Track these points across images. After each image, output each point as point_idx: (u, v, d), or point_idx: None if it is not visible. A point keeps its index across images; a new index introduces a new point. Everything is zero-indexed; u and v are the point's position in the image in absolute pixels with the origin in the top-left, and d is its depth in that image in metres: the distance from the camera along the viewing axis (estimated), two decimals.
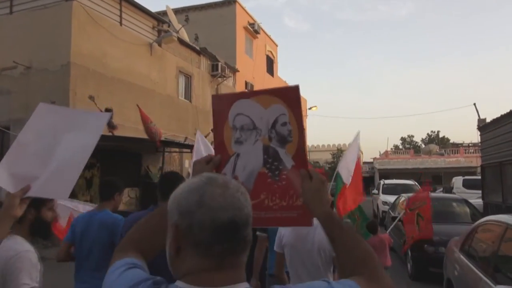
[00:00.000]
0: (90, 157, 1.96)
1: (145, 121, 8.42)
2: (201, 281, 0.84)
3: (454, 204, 8.83)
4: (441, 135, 58.70)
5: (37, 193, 1.73)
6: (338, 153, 44.70)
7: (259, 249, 3.40)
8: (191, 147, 12.55)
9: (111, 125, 9.41)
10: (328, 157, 45.77)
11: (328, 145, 52.38)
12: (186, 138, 13.01)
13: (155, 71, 13.53)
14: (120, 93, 11.68)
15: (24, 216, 1.88)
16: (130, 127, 11.72)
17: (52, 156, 1.82)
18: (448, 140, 56.58)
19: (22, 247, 1.87)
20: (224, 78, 18.06)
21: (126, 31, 12.21)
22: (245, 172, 1.29)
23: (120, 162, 11.51)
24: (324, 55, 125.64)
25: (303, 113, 29.05)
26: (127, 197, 12.04)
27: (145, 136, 11.10)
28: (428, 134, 59.87)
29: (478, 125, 10.90)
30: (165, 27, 14.18)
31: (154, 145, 9.80)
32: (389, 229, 7.51)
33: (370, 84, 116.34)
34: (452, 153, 41.31)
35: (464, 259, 4.15)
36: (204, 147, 5.88)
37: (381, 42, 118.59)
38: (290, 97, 1.25)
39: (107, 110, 11.27)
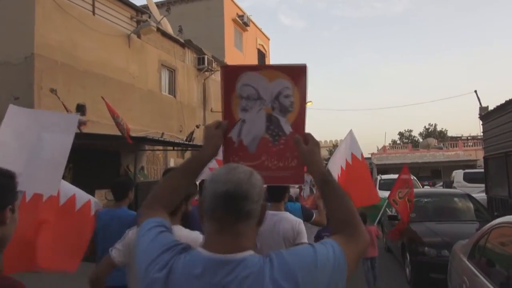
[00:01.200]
0: None
1: (112, 115, 7.59)
2: (208, 244, 1.06)
3: (456, 199, 8.02)
4: (439, 128, 57.94)
5: (24, 187, 1.87)
6: (334, 149, 43.99)
7: None
8: (168, 143, 11.71)
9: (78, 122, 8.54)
10: (324, 153, 45.05)
11: (325, 141, 51.69)
12: (162, 134, 12.16)
13: (134, 64, 12.67)
14: (94, 88, 10.82)
15: (179, 209, 2.15)
16: (106, 124, 10.88)
17: (32, 154, 1.99)
18: (446, 133, 55.86)
19: (194, 234, 2.04)
20: (212, 72, 17.21)
21: (100, 21, 11.35)
22: (249, 136, 1.46)
23: (96, 162, 10.65)
24: (320, 51, 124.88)
25: None
26: (103, 199, 11.20)
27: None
28: (425, 127, 59.07)
29: (480, 114, 10.07)
30: (145, 17, 13.32)
31: (133, 142, 8.94)
32: (376, 221, 6.94)
33: (367, 80, 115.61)
34: (451, 147, 40.58)
35: (475, 270, 3.34)
36: None
37: (377, 38, 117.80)
38: (296, 74, 1.42)
39: (79, 105, 10.45)
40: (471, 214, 7.41)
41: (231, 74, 1.46)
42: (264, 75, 1.42)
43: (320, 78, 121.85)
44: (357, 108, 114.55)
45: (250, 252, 1.04)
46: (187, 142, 12.76)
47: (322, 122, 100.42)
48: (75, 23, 10.35)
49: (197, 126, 14.09)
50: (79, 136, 9.40)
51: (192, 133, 13.46)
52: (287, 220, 2.94)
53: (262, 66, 1.47)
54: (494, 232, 3.27)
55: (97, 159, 10.82)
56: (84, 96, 10.63)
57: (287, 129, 1.43)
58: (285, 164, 1.44)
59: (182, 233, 2.01)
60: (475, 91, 10.64)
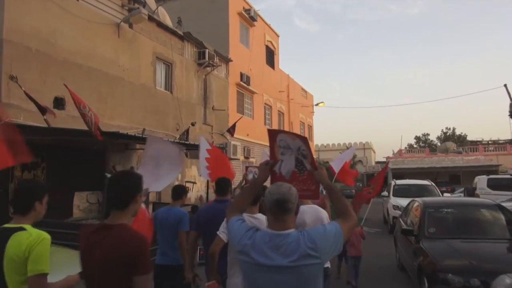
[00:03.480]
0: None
1: (77, 105, 6.51)
2: (270, 226, 1.99)
3: (484, 211, 6.69)
4: (457, 132, 55.74)
5: (152, 189, 3.75)
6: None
7: None
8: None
9: (44, 110, 7.45)
10: (337, 156, 43.59)
11: (339, 144, 50.25)
12: (143, 130, 11.04)
13: (124, 55, 11.65)
14: (76, 80, 9.82)
15: (258, 202, 3.38)
16: None
17: (159, 171, 3.81)
18: (465, 137, 53.69)
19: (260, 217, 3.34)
20: (213, 67, 16.12)
21: (85, 7, 10.36)
22: (285, 170, 2.39)
23: (75, 162, 9.61)
24: (335, 54, 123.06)
25: (310, 109, 27.01)
26: (85, 202, 10.17)
27: (110, 129, 9.25)
28: (443, 131, 56.89)
29: (510, 112, 8.70)
30: (138, 6, 12.29)
31: (103, 139, 7.84)
32: (362, 221, 7.53)
33: (382, 83, 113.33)
34: (471, 151, 38.66)
35: None
36: (202, 153, 6.45)
37: (393, 40, 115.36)
38: (303, 138, 2.38)
39: (57, 99, 9.45)
40: (504, 230, 6.09)
41: (273, 133, 2.43)
42: (288, 135, 2.40)
43: (334, 80, 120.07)
44: (370, 110, 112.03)
45: (292, 230, 1.97)
46: (180, 141, 11.64)
47: (335, 125, 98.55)
48: (54, 8, 9.37)
49: (192, 124, 12.98)
50: (54, 132, 8.42)
51: (187, 131, 12.35)
52: (322, 211, 3.89)
53: (288, 132, 2.46)
54: None
55: (78, 158, 9.78)
56: (64, 88, 9.61)
57: (308, 167, 2.35)
58: (307, 187, 2.38)
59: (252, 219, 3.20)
60: (505, 85, 9.25)
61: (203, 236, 3.96)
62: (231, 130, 15.94)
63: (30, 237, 2.09)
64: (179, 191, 4.61)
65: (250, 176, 8.77)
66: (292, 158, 2.36)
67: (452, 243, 5.41)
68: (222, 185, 4.12)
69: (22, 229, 2.14)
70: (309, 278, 1.89)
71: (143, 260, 1.92)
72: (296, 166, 2.36)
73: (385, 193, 15.19)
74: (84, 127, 7.82)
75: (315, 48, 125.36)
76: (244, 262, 1.99)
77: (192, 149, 12.77)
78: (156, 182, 3.71)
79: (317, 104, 30.38)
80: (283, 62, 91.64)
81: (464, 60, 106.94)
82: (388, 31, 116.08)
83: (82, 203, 10.05)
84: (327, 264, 3.83)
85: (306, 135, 31.15)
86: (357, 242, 6.38)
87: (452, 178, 36.69)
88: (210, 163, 6.20)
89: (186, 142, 12.26)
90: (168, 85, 13.86)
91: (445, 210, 6.75)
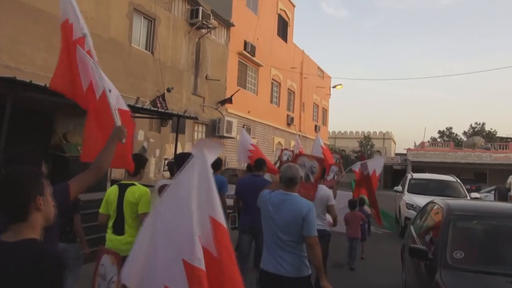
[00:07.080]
0: None
1: None
2: (282, 190, 3.37)
3: None
4: (487, 128, 52.03)
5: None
6: (365, 141, 39.81)
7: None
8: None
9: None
10: (354, 144, 41.01)
11: (357, 132, 47.54)
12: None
13: (89, 1, 9.61)
14: (17, 22, 7.89)
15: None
16: (35, 74, 7.96)
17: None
18: (495, 134, 50.02)
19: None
20: (209, 30, 13.93)
21: None
22: None
23: (16, 125, 7.69)
24: (362, 41, 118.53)
25: (326, 91, 24.55)
26: None
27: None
28: (471, 126, 53.19)
29: None
30: None
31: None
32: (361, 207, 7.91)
33: (409, 74, 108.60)
34: (500, 148, 35.45)
35: None
36: (244, 143, 8.25)
37: (424, 31, 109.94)
38: (320, 159, 5.13)
39: None
40: None
41: (297, 156, 5.13)
42: (308, 158, 4.97)
43: (359, 68, 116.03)
44: (394, 100, 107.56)
45: (295, 194, 3.34)
46: (153, 109, 9.61)
47: (354, 112, 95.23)
48: None
49: (168, 90, 10.93)
50: None
51: (162, 96, 10.32)
52: (324, 189, 5.07)
53: (309, 155, 4.59)
54: None
55: (19, 121, 7.86)
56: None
57: (312, 180, 4.73)
58: (308, 192, 4.36)
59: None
60: None
61: (243, 200, 5.23)
62: (228, 102, 13.87)
63: (139, 190, 3.63)
64: (217, 163, 5.81)
65: (284, 158, 8.71)
66: (303, 173, 3.88)
67: (491, 283, 3.23)
68: (259, 163, 5.42)
69: (133, 184, 3.70)
70: (296, 219, 3.17)
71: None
72: (304, 178, 4.08)
73: (398, 187, 12.88)
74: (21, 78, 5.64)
75: (341, 34, 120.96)
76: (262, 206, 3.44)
77: (172, 119, 10.71)
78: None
79: (334, 86, 27.86)
80: (304, 40, 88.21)
81: (500, 56, 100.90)
82: (419, 21, 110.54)
83: None
84: (327, 228, 5.15)
85: (320, 118, 28.83)
86: (354, 224, 6.89)
87: (477, 175, 33.80)
88: (253, 154, 7.71)
89: (162, 111, 10.24)
90: (149, 44, 11.78)
91: (480, 221, 4.51)
